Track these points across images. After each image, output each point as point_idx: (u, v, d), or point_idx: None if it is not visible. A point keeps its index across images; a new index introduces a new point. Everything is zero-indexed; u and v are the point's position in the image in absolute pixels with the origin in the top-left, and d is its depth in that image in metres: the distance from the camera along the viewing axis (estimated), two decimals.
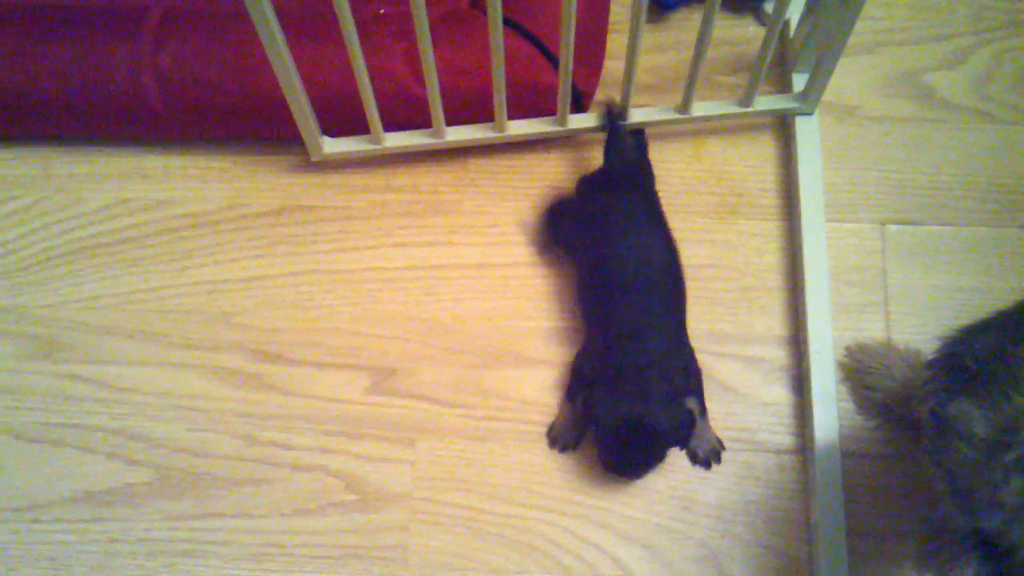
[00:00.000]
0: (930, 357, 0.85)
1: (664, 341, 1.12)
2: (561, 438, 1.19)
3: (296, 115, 1.17)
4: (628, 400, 1.08)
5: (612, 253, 1.14)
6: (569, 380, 1.20)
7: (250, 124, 1.29)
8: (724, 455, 1.18)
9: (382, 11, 1.30)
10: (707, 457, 1.17)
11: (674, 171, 1.31)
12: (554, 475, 1.19)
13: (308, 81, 1.16)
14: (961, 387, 0.73)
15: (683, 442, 1.13)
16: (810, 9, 1.23)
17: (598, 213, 1.17)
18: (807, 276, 1.21)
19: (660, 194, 1.25)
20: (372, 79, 1.15)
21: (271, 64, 1.07)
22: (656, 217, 1.20)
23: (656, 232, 1.17)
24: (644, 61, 1.35)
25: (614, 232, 1.15)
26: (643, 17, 1.05)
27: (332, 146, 1.26)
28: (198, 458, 1.21)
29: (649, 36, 1.38)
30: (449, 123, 1.25)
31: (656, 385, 1.08)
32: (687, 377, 1.13)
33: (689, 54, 1.14)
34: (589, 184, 1.23)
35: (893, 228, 1.27)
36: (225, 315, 1.27)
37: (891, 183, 1.30)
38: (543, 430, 1.20)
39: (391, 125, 1.26)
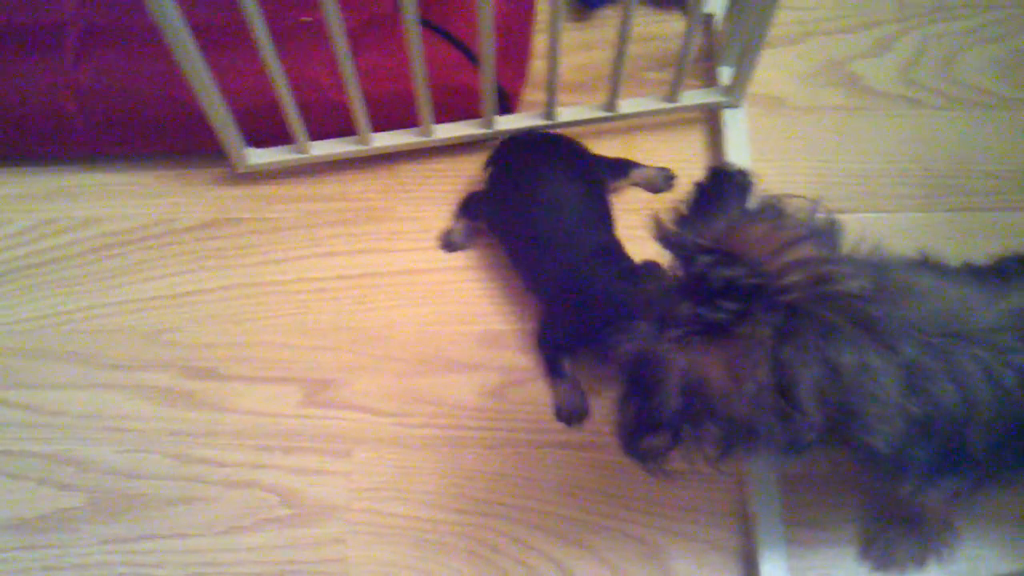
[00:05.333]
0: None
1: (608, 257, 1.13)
2: (570, 412, 1.19)
3: (217, 128, 1.15)
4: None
5: (534, 212, 1.15)
6: (544, 359, 1.20)
7: (174, 138, 1.28)
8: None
9: (305, 19, 1.29)
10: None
11: None
12: (492, 480, 1.18)
13: (230, 92, 1.14)
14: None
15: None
16: (733, 3, 1.23)
17: (510, 180, 1.19)
18: None
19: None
20: (296, 88, 1.14)
21: (186, 77, 1.05)
22: (571, 168, 1.20)
23: (570, 178, 1.17)
24: (571, 60, 1.34)
25: (530, 189, 1.15)
26: (561, 16, 1.04)
27: (257, 157, 1.24)
28: (131, 479, 1.19)
29: (576, 34, 1.38)
30: (379, 129, 1.24)
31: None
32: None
33: (626, 52, 1.14)
34: (497, 160, 1.23)
35: (822, 218, 1.27)
36: (155, 333, 1.25)
37: (821, 172, 1.30)
38: (478, 435, 1.19)
39: (319, 134, 1.25)
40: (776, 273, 0.70)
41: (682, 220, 0.79)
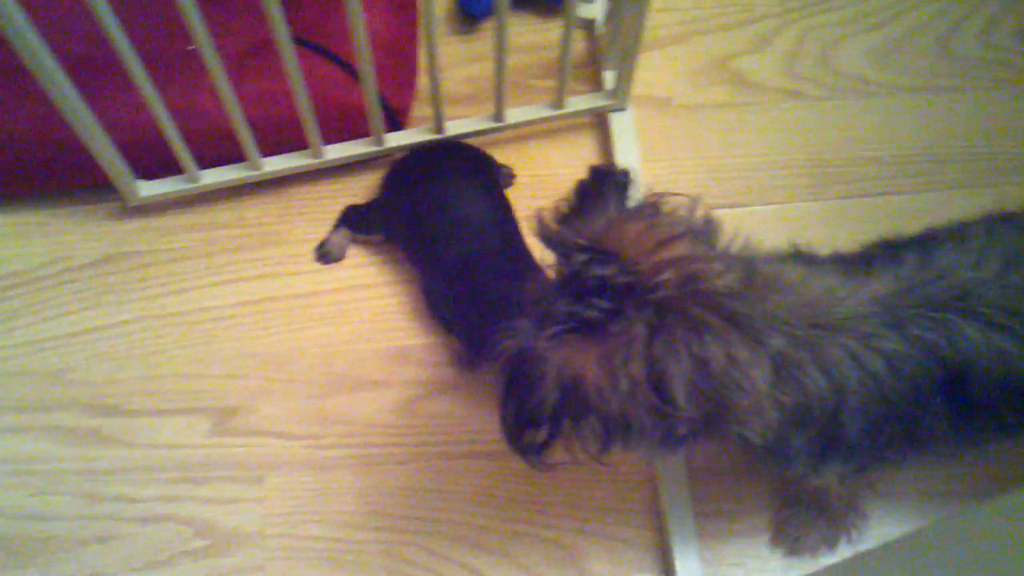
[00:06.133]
0: None
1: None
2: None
3: (103, 163, 1.15)
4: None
5: (436, 212, 1.16)
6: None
7: (62, 175, 1.26)
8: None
9: (191, 47, 1.27)
10: None
11: None
12: (407, 495, 1.19)
13: (116, 126, 1.14)
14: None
15: None
16: (611, 7, 1.25)
17: (413, 184, 1.20)
18: None
19: None
20: (185, 117, 1.13)
21: (64, 116, 1.04)
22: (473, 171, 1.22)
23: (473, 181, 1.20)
24: (460, 72, 1.36)
25: (434, 190, 1.17)
26: (437, 30, 1.05)
27: (148, 189, 1.23)
28: (41, 522, 1.18)
29: (462, 47, 1.39)
30: (271, 153, 1.24)
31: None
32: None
33: (504, 62, 1.15)
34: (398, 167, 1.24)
35: (717, 212, 1.29)
36: (57, 372, 1.23)
37: (711, 168, 1.33)
38: (390, 452, 1.19)
39: (213, 161, 1.24)
40: (649, 271, 0.72)
41: (563, 218, 0.80)
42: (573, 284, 0.74)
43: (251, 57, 1.22)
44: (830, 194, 1.32)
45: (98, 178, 1.21)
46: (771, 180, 1.32)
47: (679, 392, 0.69)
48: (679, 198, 0.79)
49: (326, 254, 1.27)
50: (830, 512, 1.12)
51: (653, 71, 1.35)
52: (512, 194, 1.29)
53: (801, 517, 1.14)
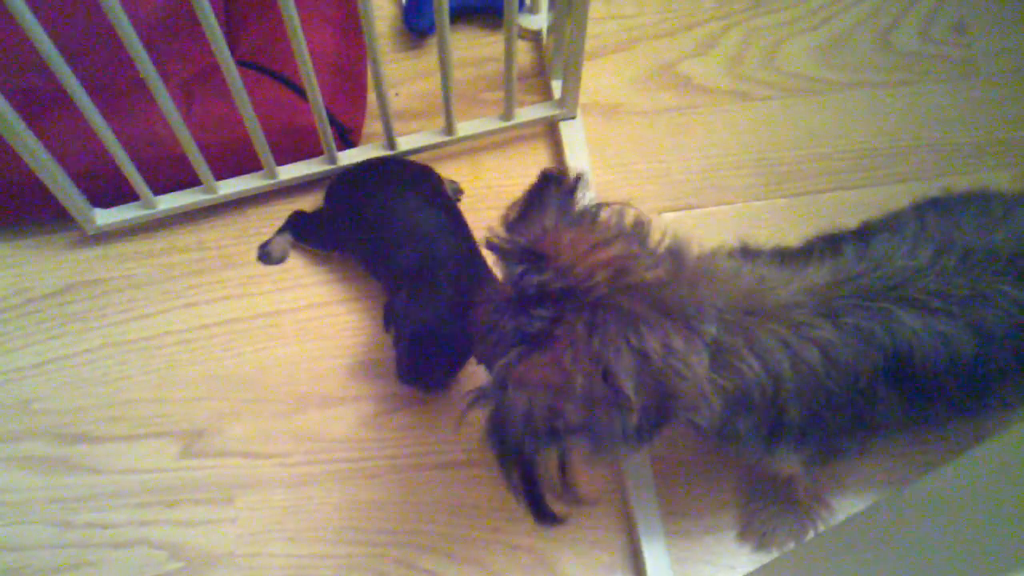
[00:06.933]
0: None
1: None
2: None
3: (56, 192, 1.15)
4: (422, 308, 1.11)
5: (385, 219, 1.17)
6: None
7: (20, 206, 1.27)
8: None
9: (141, 75, 1.29)
10: None
11: None
12: (378, 508, 1.20)
13: (69, 155, 1.15)
14: None
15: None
16: (554, 18, 1.27)
17: (359, 195, 1.22)
18: None
19: None
20: (139, 144, 1.15)
21: (13, 148, 1.05)
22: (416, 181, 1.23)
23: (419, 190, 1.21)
24: (410, 88, 1.38)
25: (383, 198, 1.19)
26: (378, 48, 1.07)
27: (105, 217, 1.24)
28: (13, 552, 1.18)
29: (412, 63, 1.41)
30: (229, 175, 1.25)
31: (446, 292, 1.11)
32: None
33: (455, 76, 1.17)
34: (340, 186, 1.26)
35: (670, 216, 1.32)
36: (23, 403, 1.24)
37: (662, 172, 1.35)
38: (360, 466, 1.21)
39: (171, 186, 1.25)
40: (584, 274, 0.74)
41: (509, 225, 0.82)
42: (514, 296, 0.75)
43: (201, 82, 1.23)
44: (781, 192, 1.34)
45: (56, 208, 1.21)
46: (723, 181, 1.34)
47: (627, 383, 0.72)
48: (614, 204, 0.81)
49: (267, 254, 1.29)
50: (797, 506, 1.14)
51: (601, 78, 1.37)
52: (466, 206, 1.31)
53: (768, 511, 1.16)
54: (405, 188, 1.20)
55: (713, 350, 0.77)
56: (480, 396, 0.77)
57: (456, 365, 1.16)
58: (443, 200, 1.22)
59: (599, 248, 0.76)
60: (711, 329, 0.77)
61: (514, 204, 0.84)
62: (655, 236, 0.80)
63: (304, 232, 1.29)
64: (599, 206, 0.82)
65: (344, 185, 1.24)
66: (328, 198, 1.25)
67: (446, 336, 1.10)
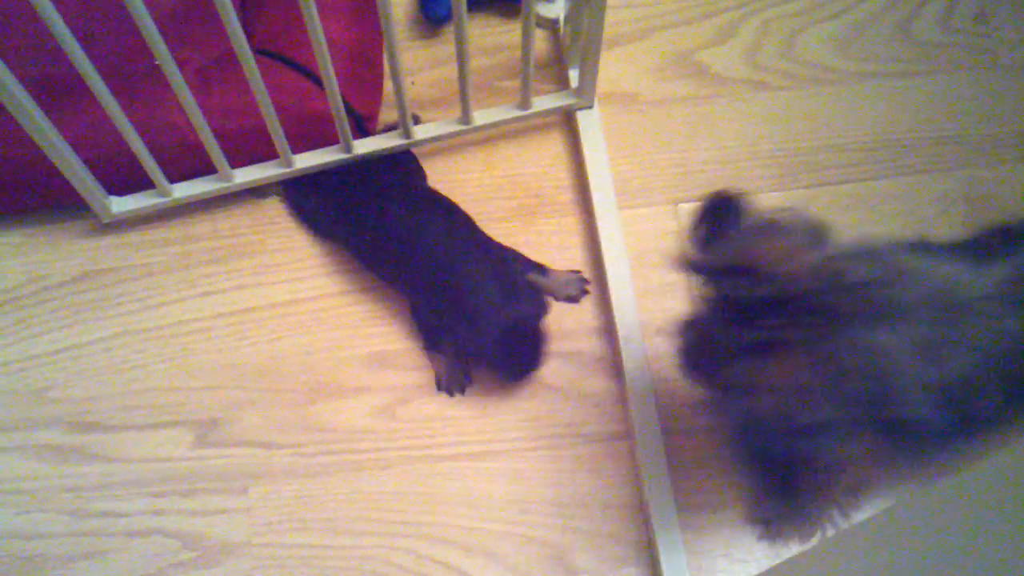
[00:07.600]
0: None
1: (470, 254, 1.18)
2: (450, 382, 1.22)
3: (72, 180, 1.15)
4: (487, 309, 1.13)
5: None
6: (420, 334, 1.24)
7: (35, 194, 1.26)
8: (557, 453, 1.20)
9: (157, 61, 1.28)
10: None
11: (470, 181, 1.32)
12: (392, 499, 1.20)
13: (85, 143, 1.15)
14: None
15: (543, 311, 1.17)
16: (571, 6, 1.26)
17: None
18: (607, 265, 1.24)
19: (461, 206, 1.26)
20: (155, 131, 1.14)
21: (30, 135, 1.05)
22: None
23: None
24: (426, 76, 1.37)
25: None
26: (396, 35, 1.06)
27: (120, 205, 1.24)
28: (29, 540, 1.18)
29: (427, 51, 1.40)
30: (242, 164, 1.24)
31: (493, 284, 1.14)
32: (509, 263, 1.20)
33: (471, 64, 1.16)
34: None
35: (686, 207, 1.31)
36: (38, 391, 1.24)
37: (679, 162, 1.34)
38: (374, 457, 1.20)
39: (187, 174, 1.25)
40: (792, 280, 0.77)
41: (702, 246, 0.86)
42: (728, 310, 0.79)
43: (217, 69, 1.22)
44: (798, 183, 1.33)
45: (71, 196, 1.21)
46: (739, 171, 1.33)
47: (857, 382, 0.74)
48: (787, 212, 0.84)
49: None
50: (809, 507, 1.13)
51: (618, 67, 1.36)
52: (482, 195, 1.31)
53: (782, 508, 1.15)
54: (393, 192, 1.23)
55: (921, 346, 0.78)
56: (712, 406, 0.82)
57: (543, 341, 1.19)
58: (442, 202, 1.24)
59: (797, 253, 0.78)
60: (920, 326, 0.78)
61: (695, 225, 0.89)
62: (833, 237, 0.82)
63: (300, 206, 1.30)
64: (777, 213, 0.85)
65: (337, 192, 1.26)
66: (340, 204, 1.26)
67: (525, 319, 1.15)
